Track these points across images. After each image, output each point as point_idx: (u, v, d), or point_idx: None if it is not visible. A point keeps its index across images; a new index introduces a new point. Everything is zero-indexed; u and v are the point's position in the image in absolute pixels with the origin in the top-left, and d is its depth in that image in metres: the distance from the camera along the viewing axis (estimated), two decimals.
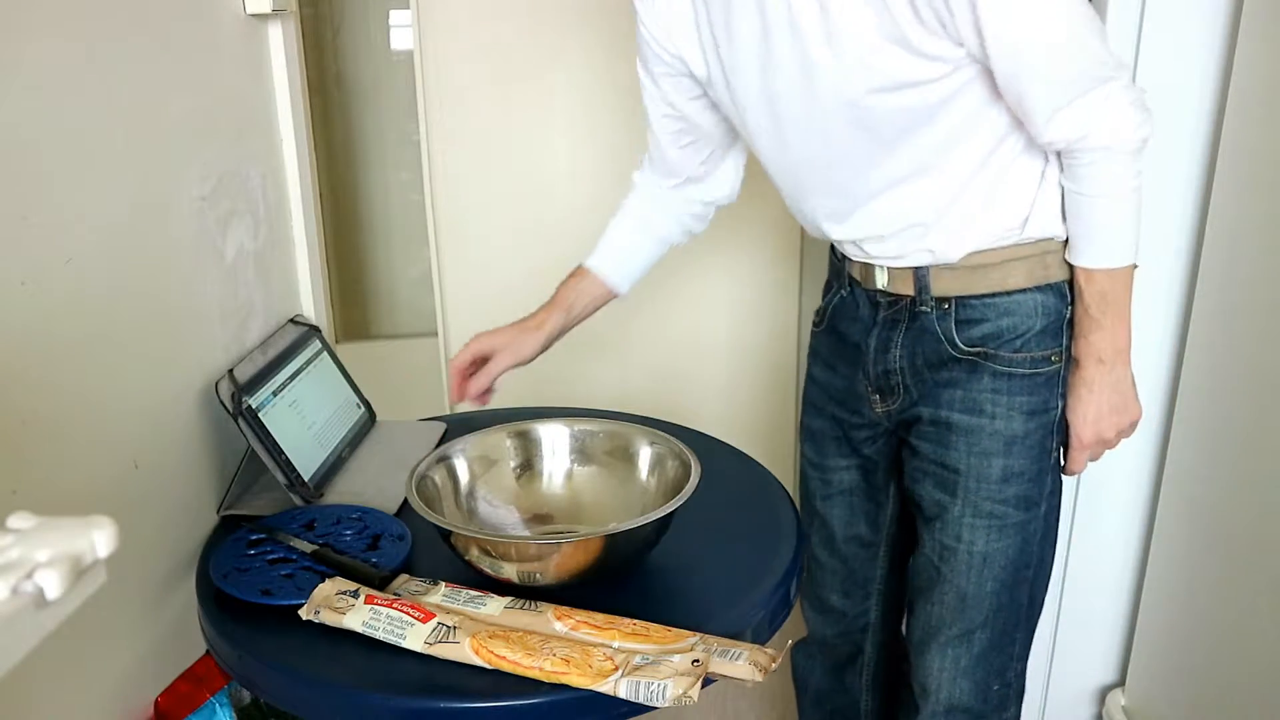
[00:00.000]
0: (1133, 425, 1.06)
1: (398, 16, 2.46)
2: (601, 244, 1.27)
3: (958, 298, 1.03)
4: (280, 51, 1.35)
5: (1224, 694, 1.30)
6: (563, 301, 1.25)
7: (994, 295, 1.02)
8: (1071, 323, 1.03)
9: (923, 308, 1.05)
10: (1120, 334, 1.01)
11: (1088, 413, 1.04)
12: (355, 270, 2.64)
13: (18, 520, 0.46)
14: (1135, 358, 1.04)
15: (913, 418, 1.10)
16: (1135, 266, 0.99)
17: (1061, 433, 1.07)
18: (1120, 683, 1.61)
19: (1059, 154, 0.97)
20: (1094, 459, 1.09)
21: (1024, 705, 1.21)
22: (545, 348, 1.23)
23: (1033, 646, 1.17)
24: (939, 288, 1.04)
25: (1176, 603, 1.42)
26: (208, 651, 1.03)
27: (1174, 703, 1.43)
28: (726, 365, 2.14)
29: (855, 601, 1.31)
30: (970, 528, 1.07)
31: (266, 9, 1.27)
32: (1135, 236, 0.97)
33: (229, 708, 1.10)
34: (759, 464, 1.22)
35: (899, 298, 1.07)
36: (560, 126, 1.99)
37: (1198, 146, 1.33)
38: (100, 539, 0.46)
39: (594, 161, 2.01)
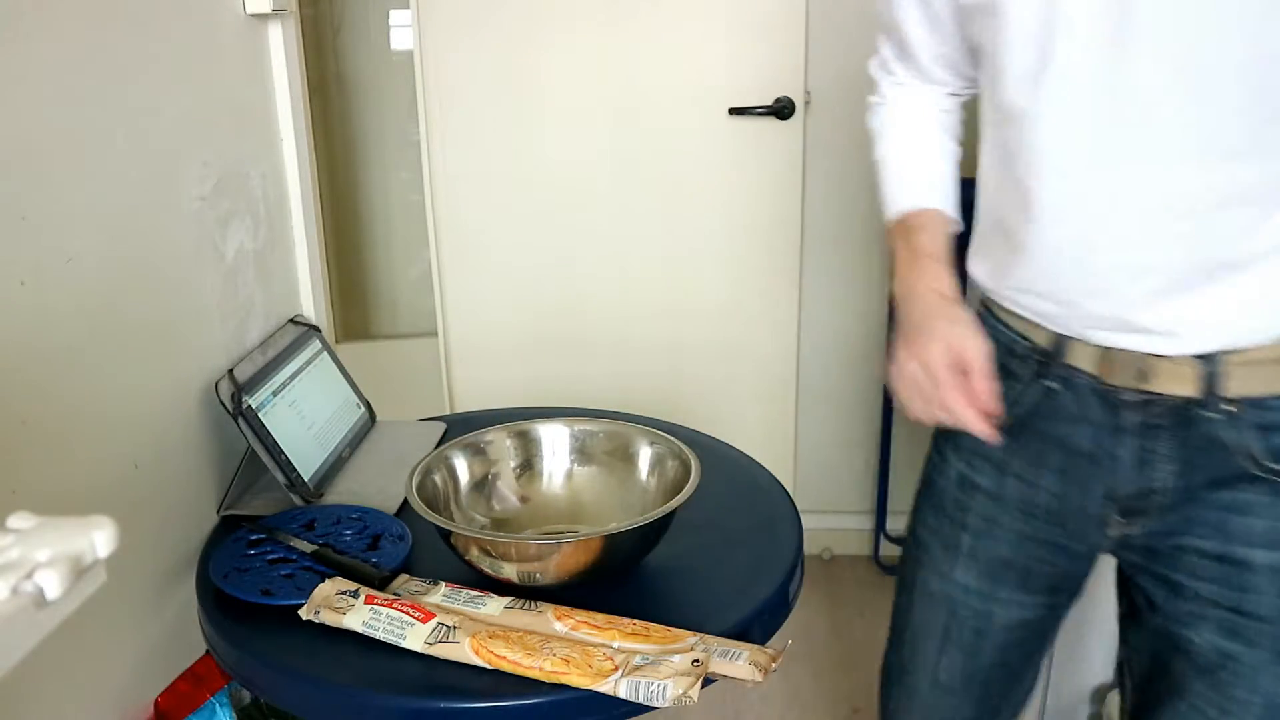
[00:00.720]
0: None
1: (398, 16, 2.46)
2: (923, 178, 0.98)
3: (1253, 399, 0.79)
4: (280, 51, 1.35)
5: None
6: (945, 258, 0.93)
7: None
8: None
9: (1207, 411, 0.80)
10: None
11: None
12: (355, 270, 2.64)
13: (18, 520, 0.46)
14: None
15: (1176, 547, 0.87)
16: None
17: None
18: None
19: None
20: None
21: (1022, 706, 1.18)
22: None
23: None
24: (1237, 385, 0.78)
25: None
26: (208, 651, 1.03)
27: None
28: (726, 365, 2.14)
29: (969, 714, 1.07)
30: (1274, 677, 0.84)
31: (266, 9, 1.27)
32: None
33: (229, 708, 1.10)
34: (759, 464, 1.22)
35: (1160, 397, 0.81)
36: (560, 126, 1.99)
37: None
38: (100, 539, 0.46)
39: (594, 161, 2.01)
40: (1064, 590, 0.98)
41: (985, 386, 0.84)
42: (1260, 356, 0.78)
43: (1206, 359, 0.78)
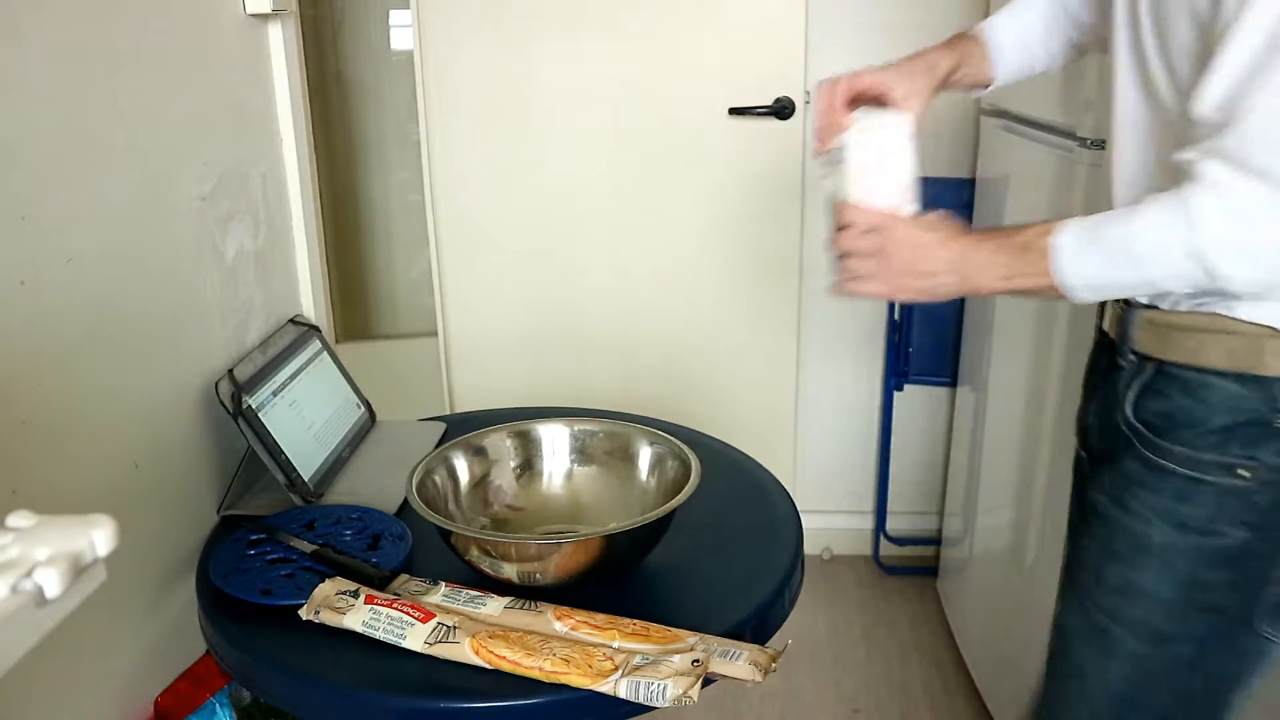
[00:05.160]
0: (881, 282, 0.86)
1: (398, 16, 2.46)
2: (1005, 20, 1.02)
3: (1152, 359, 0.84)
4: (280, 51, 1.35)
5: None
6: (957, 51, 0.99)
7: (1182, 367, 0.82)
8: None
9: (1120, 359, 0.87)
10: (991, 274, 0.82)
11: (923, 242, 0.84)
12: (355, 270, 2.64)
13: (17, 519, 0.46)
14: None
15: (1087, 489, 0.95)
16: (1062, 295, 0.80)
17: (1241, 571, 0.82)
18: None
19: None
20: (844, 246, 0.87)
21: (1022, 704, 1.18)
22: (933, 98, 0.97)
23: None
24: (1140, 341, 0.85)
25: None
26: (208, 651, 1.03)
27: None
28: (726, 365, 2.14)
29: None
30: (1074, 634, 0.91)
31: (266, 9, 1.27)
32: (1095, 278, 0.79)
33: (229, 708, 1.10)
34: (759, 464, 1.22)
35: (1104, 339, 0.90)
36: (560, 126, 1.99)
37: None
38: (99, 537, 0.46)
39: (594, 161, 2.01)
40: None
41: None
42: (1157, 321, 0.83)
43: (1126, 311, 0.86)
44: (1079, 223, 0.79)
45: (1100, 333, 0.93)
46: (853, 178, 0.90)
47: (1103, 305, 0.92)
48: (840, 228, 0.89)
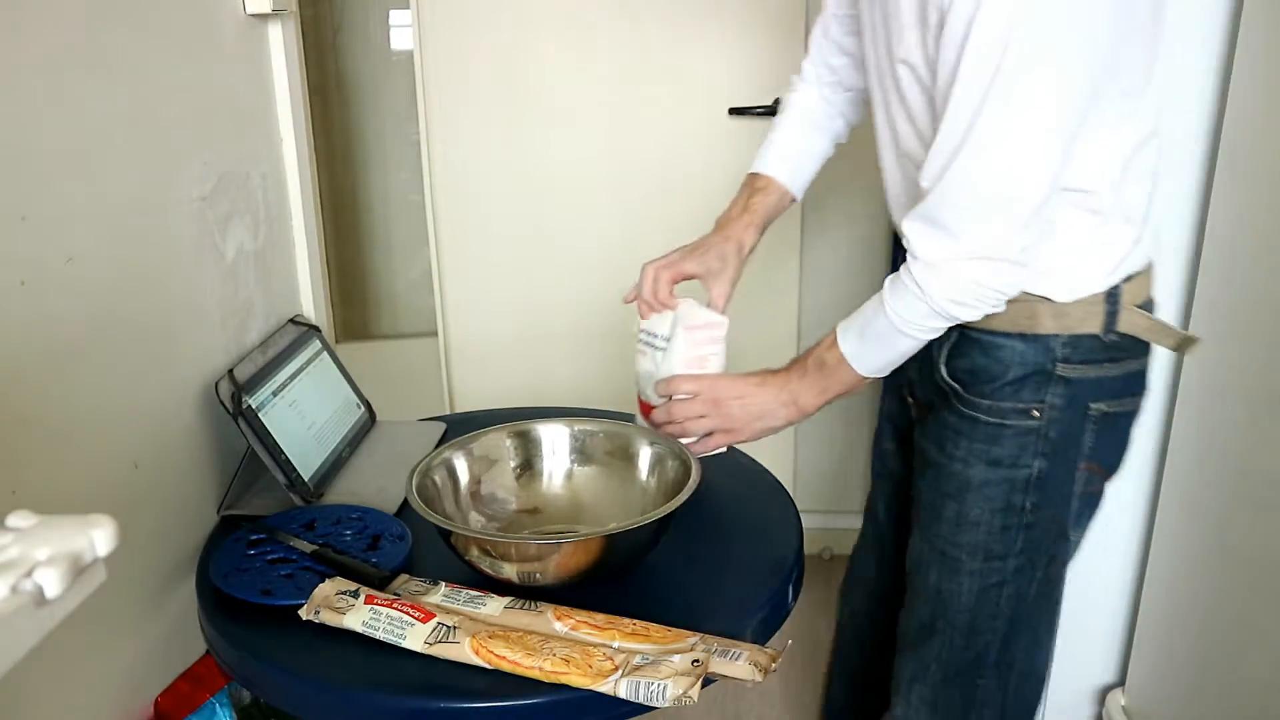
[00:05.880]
0: (725, 435, 1.07)
1: (398, 16, 2.46)
2: (776, 148, 1.18)
3: (956, 325, 0.97)
4: (280, 51, 1.35)
5: (1224, 694, 1.30)
6: (759, 218, 1.15)
7: (979, 331, 0.97)
8: (1061, 381, 0.96)
9: None
10: (810, 395, 1.03)
11: (746, 391, 1.06)
12: (355, 270, 2.64)
13: (17, 519, 0.46)
14: None
15: (916, 435, 1.10)
16: (865, 380, 1.00)
17: (1044, 493, 0.99)
18: (1120, 683, 1.61)
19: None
20: (667, 415, 1.07)
21: None
22: (743, 266, 1.16)
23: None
24: None
25: (1176, 603, 1.42)
26: (208, 651, 1.03)
27: (1174, 703, 1.43)
28: (726, 365, 2.14)
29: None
30: (926, 562, 1.05)
31: (266, 9, 1.27)
32: (888, 361, 0.98)
33: (229, 708, 1.10)
34: (759, 464, 1.22)
35: None
36: (560, 126, 1.99)
37: (1198, 147, 1.33)
38: (99, 537, 0.46)
39: (594, 161, 2.01)
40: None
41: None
42: None
43: None
44: (847, 327, 0.99)
45: None
46: (676, 365, 1.09)
47: None
48: (659, 402, 1.07)
